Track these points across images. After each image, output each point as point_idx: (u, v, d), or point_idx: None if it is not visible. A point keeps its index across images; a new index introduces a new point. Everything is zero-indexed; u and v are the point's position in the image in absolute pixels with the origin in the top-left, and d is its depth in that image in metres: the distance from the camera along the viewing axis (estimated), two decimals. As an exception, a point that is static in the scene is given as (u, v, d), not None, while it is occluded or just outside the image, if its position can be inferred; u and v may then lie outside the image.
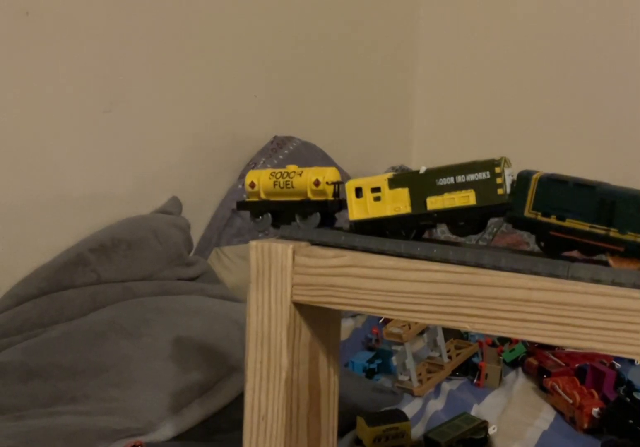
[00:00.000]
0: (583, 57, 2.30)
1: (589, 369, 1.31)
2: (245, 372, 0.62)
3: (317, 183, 0.64)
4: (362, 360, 1.37)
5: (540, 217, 0.54)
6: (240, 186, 1.78)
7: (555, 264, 0.51)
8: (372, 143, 2.42)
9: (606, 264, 0.51)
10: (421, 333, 1.39)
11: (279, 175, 0.67)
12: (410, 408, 1.22)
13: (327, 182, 0.64)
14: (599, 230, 0.51)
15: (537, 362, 1.39)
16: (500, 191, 0.55)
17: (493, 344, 1.50)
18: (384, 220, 0.61)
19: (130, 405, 0.99)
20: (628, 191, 0.50)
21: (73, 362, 1.04)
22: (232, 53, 1.78)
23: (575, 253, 0.55)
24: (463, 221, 0.58)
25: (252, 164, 1.81)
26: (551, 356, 1.41)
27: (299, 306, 0.61)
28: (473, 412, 1.18)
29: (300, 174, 0.65)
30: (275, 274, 0.61)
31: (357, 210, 0.62)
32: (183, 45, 1.64)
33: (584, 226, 0.52)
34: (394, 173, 0.61)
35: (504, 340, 1.52)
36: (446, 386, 1.32)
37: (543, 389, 1.32)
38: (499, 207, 0.55)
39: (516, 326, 0.51)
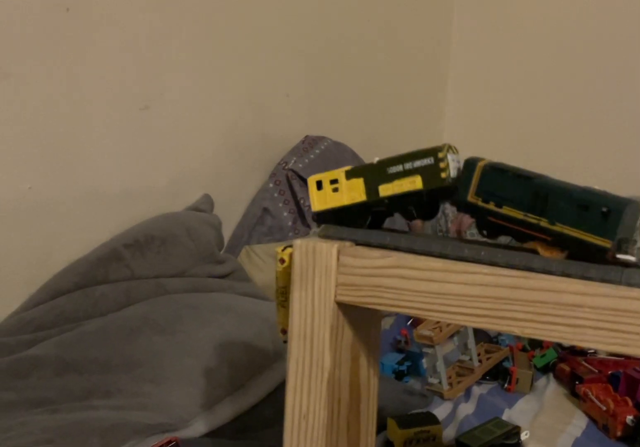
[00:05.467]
0: (616, 61, 2.27)
1: (623, 376, 1.29)
2: (287, 371, 0.62)
3: (282, 261, 0.67)
4: (392, 361, 1.36)
5: (480, 203, 0.57)
6: (270, 185, 1.78)
7: (608, 270, 0.51)
8: (402, 143, 2.40)
9: (537, 252, 0.54)
10: (451, 336, 1.38)
11: (280, 295, 0.68)
12: (440, 411, 1.21)
13: (282, 252, 0.67)
14: (532, 219, 0.54)
15: (569, 368, 1.37)
16: (443, 175, 0.59)
17: (524, 349, 1.48)
18: (342, 209, 0.65)
19: (163, 401, 1.00)
20: (562, 185, 0.53)
21: (107, 356, 1.05)
22: (266, 53, 1.79)
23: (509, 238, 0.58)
24: (412, 206, 0.61)
25: (283, 163, 1.81)
26: (583, 362, 1.39)
27: (342, 306, 0.61)
28: (504, 417, 1.17)
29: (277, 278, 0.67)
30: (319, 273, 0.60)
31: (318, 201, 0.66)
32: (218, 45, 1.64)
33: (518, 214, 0.55)
34: (352, 166, 0.65)
35: (535, 345, 1.50)
36: (476, 390, 1.31)
37: (575, 395, 1.30)
38: (444, 190, 0.59)
39: (567, 331, 0.50)
